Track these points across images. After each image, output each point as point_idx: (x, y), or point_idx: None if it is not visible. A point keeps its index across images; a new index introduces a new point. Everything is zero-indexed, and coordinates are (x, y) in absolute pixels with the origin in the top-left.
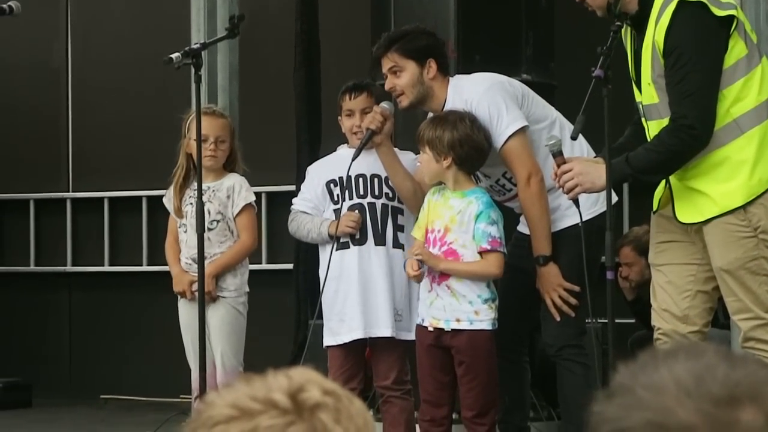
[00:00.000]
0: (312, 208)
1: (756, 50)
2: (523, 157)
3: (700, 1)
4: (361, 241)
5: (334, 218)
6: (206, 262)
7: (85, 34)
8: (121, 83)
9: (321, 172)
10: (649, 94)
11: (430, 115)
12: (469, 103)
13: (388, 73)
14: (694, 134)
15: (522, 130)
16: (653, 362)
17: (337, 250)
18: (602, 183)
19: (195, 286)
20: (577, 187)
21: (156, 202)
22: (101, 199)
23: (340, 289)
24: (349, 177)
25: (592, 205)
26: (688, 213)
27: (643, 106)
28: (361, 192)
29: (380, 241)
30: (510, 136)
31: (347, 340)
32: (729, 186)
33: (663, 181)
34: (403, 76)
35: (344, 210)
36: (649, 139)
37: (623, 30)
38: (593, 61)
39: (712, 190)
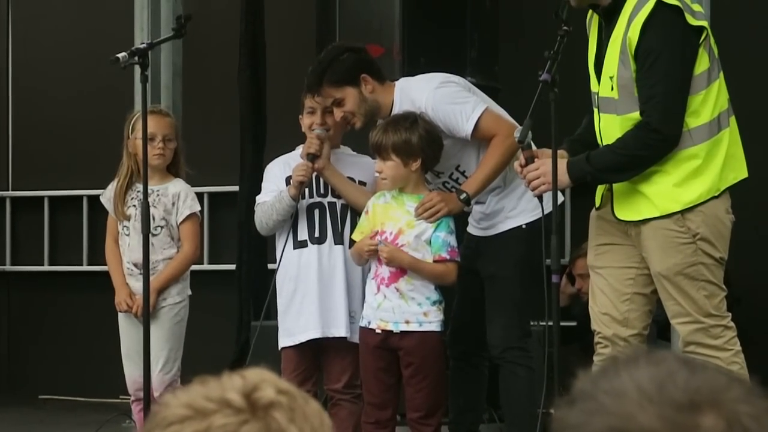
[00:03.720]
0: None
1: (717, 64)
2: (500, 122)
3: (677, 6)
4: (320, 239)
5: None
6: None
7: (26, 32)
8: (62, 82)
9: (280, 169)
10: (607, 86)
11: (380, 122)
12: (422, 103)
13: (333, 107)
14: (659, 138)
15: (487, 111)
16: (614, 368)
17: (294, 249)
18: (568, 180)
19: (130, 302)
20: (543, 186)
21: (97, 202)
22: (41, 198)
23: (298, 288)
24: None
25: (536, 207)
26: (626, 211)
27: (598, 97)
28: (322, 191)
29: (339, 240)
30: (478, 118)
31: (303, 340)
32: (670, 191)
33: None
34: (346, 103)
35: (303, 208)
36: (597, 130)
37: (589, 16)
38: (538, 64)
39: (652, 192)
